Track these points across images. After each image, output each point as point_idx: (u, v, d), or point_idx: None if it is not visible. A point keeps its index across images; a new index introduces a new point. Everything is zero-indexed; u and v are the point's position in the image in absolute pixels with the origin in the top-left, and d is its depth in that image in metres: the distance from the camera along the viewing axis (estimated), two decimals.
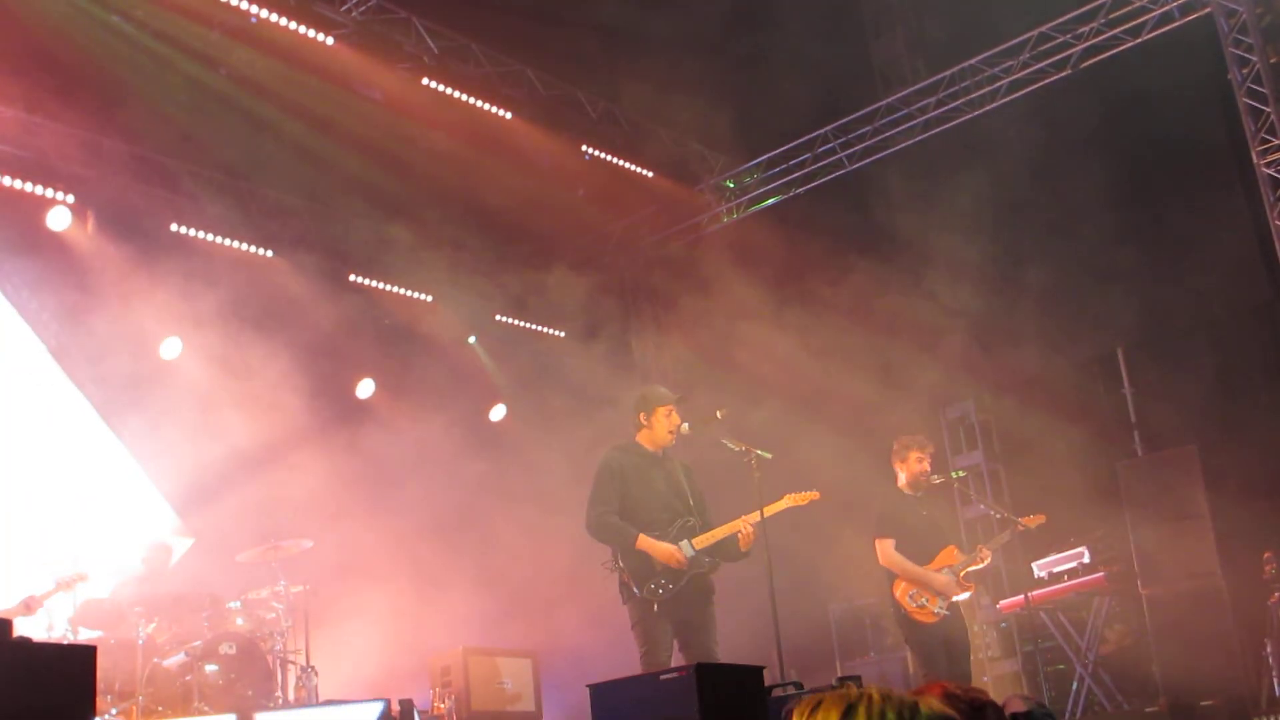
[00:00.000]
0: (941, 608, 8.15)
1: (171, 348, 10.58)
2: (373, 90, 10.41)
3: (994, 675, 10.99)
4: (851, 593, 11.45)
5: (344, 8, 9.92)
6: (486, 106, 11.04)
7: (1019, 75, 11.15)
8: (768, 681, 6.43)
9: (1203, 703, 8.86)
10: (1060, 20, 10.82)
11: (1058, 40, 10.89)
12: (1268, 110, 9.74)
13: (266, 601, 9.45)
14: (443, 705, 9.67)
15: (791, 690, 6.44)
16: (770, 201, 12.80)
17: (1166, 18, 10.40)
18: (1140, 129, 10.80)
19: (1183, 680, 9.22)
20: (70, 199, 10.15)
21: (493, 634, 10.87)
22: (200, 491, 10.49)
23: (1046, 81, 11.05)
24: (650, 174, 12.63)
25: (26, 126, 9.85)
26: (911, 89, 11.83)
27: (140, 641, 8.70)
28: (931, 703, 2.38)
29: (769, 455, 7.43)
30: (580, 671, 7.53)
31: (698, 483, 7.72)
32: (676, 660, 7.14)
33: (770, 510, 7.43)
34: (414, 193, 11.68)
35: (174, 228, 10.80)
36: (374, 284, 12.26)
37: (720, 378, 11.39)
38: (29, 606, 8.19)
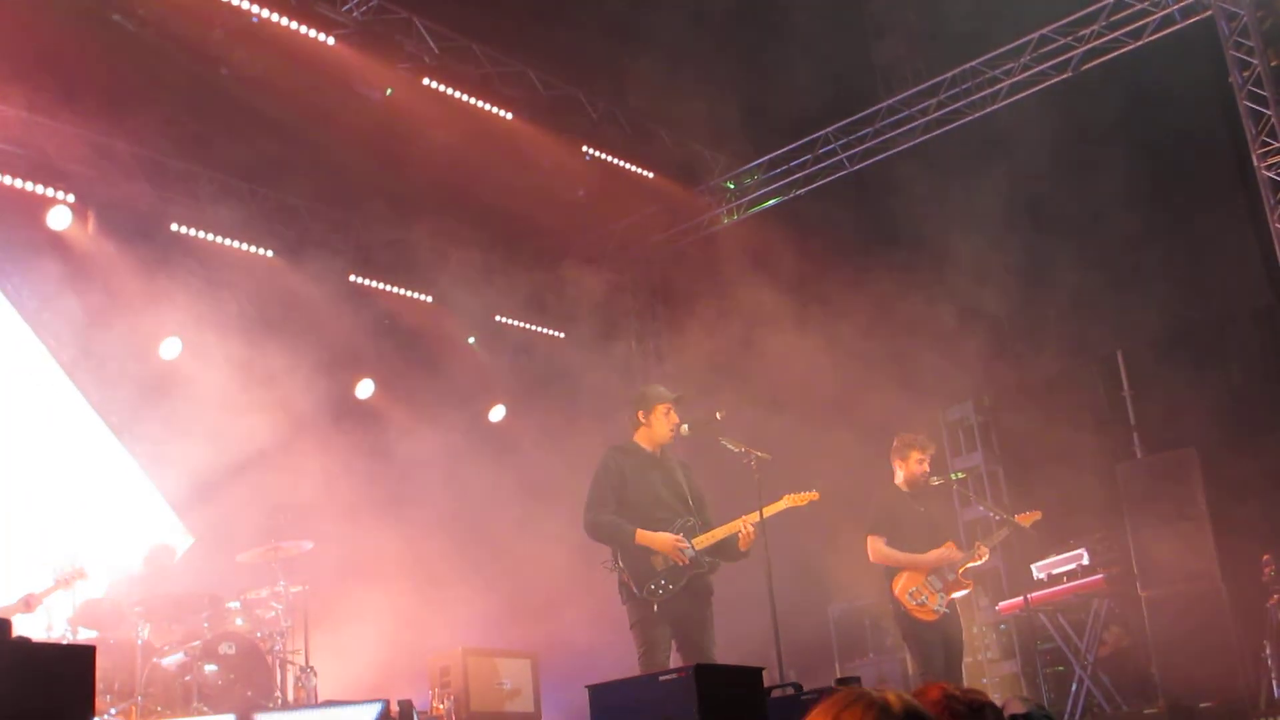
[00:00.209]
0: (941, 605, 8.14)
1: (171, 348, 10.57)
2: (374, 90, 10.40)
3: (993, 677, 11.00)
4: (851, 593, 11.45)
5: (345, 7, 9.92)
6: (487, 107, 11.04)
7: (1020, 77, 11.15)
8: (767, 682, 6.43)
9: (1201, 704, 8.87)
10: (1062, 23, 10.83)
11: (1059, 42, 10.89)
12: (1268, 113, 9.75)
13: (266, 602, 9.45)
14: (442, 706, 9.66)
15: (790, 691, 6.44)
16: (771, 202, 12.80)
17: (1168, 20, 10.40)
18: (1141, 132, 10.81)
19: (1182, 682, 9.24)
20: (71, 198, 10.15)
21: (492, 634, 10.87)
22: (200, 491, 10.49)
23: (1048, 84, 11.05)
24: (651, 175, 12.63)
25: (27, 125, 9.85)
26: (913, 90, 11.84)
27: (139, 641, 8.70)
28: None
29: (768, 456, 7.43)
30: (579, 672, 7.53)
31: (697, 482, 7.72)
32: (675, 661, 7.13)
33: (770, 511, 7.42)
34: (414, 193, 11.67)
35: (174, 227, 10.80)
36: (374, 284, 12.26)
37: (719, 378, 11.38)
38: (28, 604, 8.19)
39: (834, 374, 10.99)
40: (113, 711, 8.45)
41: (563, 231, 13.22)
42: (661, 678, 6.02)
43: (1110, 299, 11.13)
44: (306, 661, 9.34)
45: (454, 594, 10.81)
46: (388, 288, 12.38)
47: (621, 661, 7.60)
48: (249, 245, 11.24)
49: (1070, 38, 10.83)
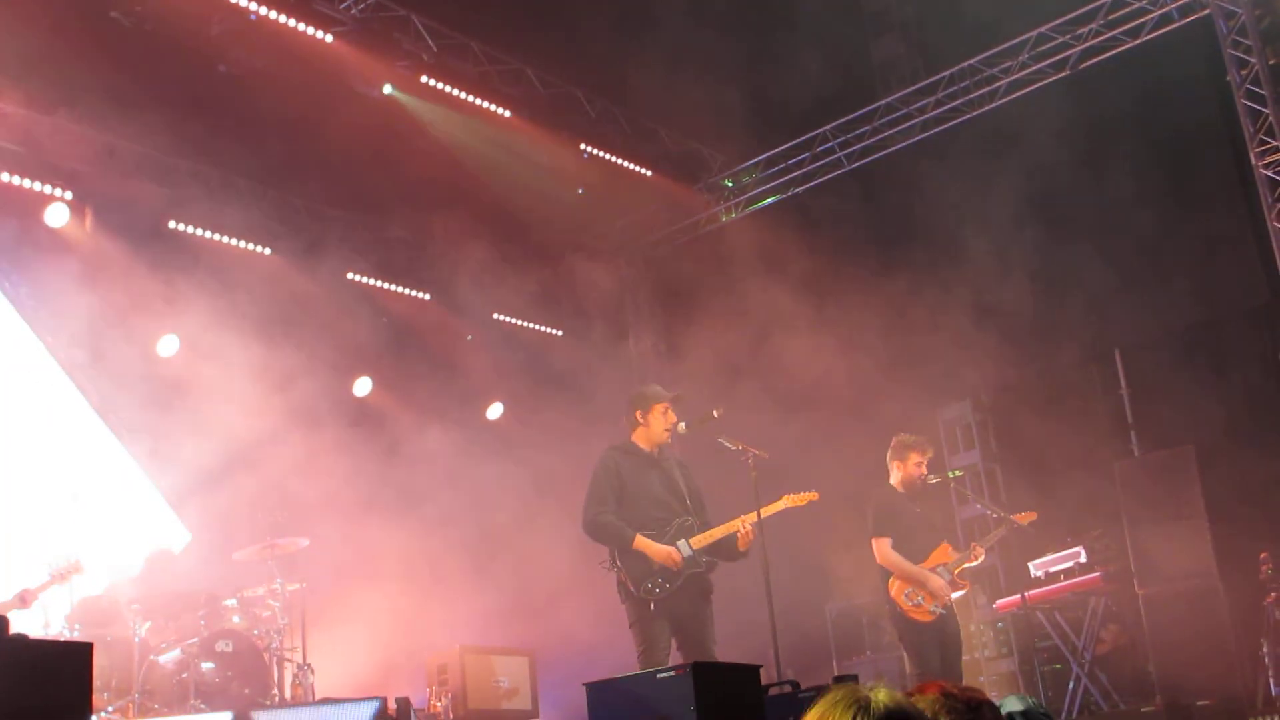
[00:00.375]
0: (937, 606, 8.16)
1: (169, 345, 10.57)
2: (372, 88, 10.40)
3: (991, 675, 10.99)
4: (848, 592, 11.46)
5: (343, 5, 9.92)
6: (486, 104, 11.03)
7: (1018, 76, 11.16)
8: (764, 680, 6.43)
9: (1199, 702, 8.87)
10: (1059, 21, 10.83)
11: (1057, 41, 10.89)
12: (1266, 112, 9.75)
13: (263, 599, 9.45)
14: (439, 704, 9.67)
15: (788, 689, 6.44)
16: (770, 200, 12.80)
17: (1165, 19, 10.40)
18: (1139, 130, 10.82)
19: (1179, 680, 9.24)
20: (69, 195, 10.13)
21: (489, 632, 10.87)
22: (197, 489, 10.49)
23: (1046, 82, 11.06)
24: (649, 173, 12.63)
25: (24, 122, 9.83)
26: (911, 89, 11.84)
27: (137, 639, 8.70)
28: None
29: (766, 454, 7.43)
30: (577, 670, 7.53)
31: (695, 481, 7.72)
32: (674, 659, 7.13)
33: (768, 510, 7.42)
34: (413, 191, 11.67)
35: (172, 225, 10.78)
36: (371, 282, 12.25)
37: (718, 375, 11.38)
38: (24, 600, 8.17)
39: (832, 372, 10.99)
40: (110, 709, 8.45)
41: (561, 229, 13.22)
42: (659, 675, 6.02)
43: (1108, 297, 11.14)
44: (304, 659, 9.33)
45: (451, 592, 10.81)
46: (386, 285, 12.37)
47: (620, 659, 7.60)
48: (247, 243, 11.22)
49: (1068, 36, 10.84)
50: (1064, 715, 9.92)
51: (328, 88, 10.15)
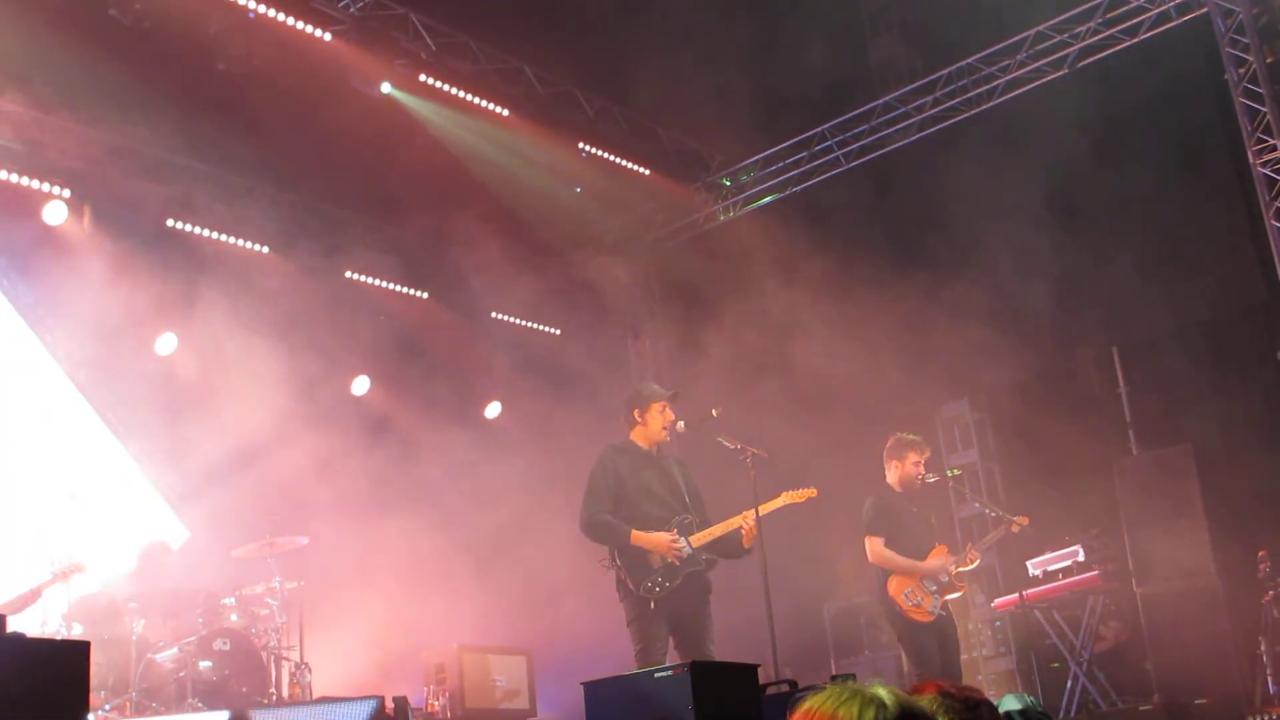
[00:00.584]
0: (936, 607, 8.16)
1: (167, 343, 10.56)
2: (370, 86, 10.39)
3: (989, 673, 11.00)
4: (847, 591, 11.45)
5: (341, 3, 9.91)
6: (484, 103, 11.03)
7: (1016, 74, 11.15)
8: (762, 680, 6.43)
9: (1197, 701, 8.88)
10: (1057, 20, 10.82)
11: (1055, 39, 10.89)
12: (1264, 110, 9.75)
13: (261, 597, 9.44)
14: (437, 703, 9.67)
15: (786, 688, 6.44)
16: (767, 200, 12.79)
17: (1163, 17, 10.40)
18: (1136, 128, 10.81)
19: (1177, 678, 9.24)
20: (67, 193, 10.12)
21: (487, 631, 10.88)
22: (195, 487, 10.49)
23: (1043, 81, 11.05)
24: (647, 172, 12.62)
25: (23, 120, 9.83)
26: (909, 88, 11.84)
27: (134, 637, 8.70)
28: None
29: (764, 453, 7.43)
30: (575, 669, 7.53)
31: (694, 479, 7.72)
32: (674, 658, 7.13)
33: (767, 508, 7.42)
34: (411, 190, 11.66)
35: (170, 223, 10.78)
36: (370, 280, 12.25)
37: (715, 373, 11.38)
38: (36, 595, 8.20)
39: (829, 370, 10.98)
40: (107, 707, 8.44)
41: (560, 228, 13.21)
42: (657, 674, 6.02)
43: (1106, 296, 11.14)
44: (301, 658, 9.33)
45: (449, 591, 10.80)
46: (385, 285, 12.37)
47: (618, 658, 7.60)
48: (245, 241, 11.22)
49: (1066, 35, 10.83)
50: (1062, 714, 9.92)
51: (326, 86, 10.14)
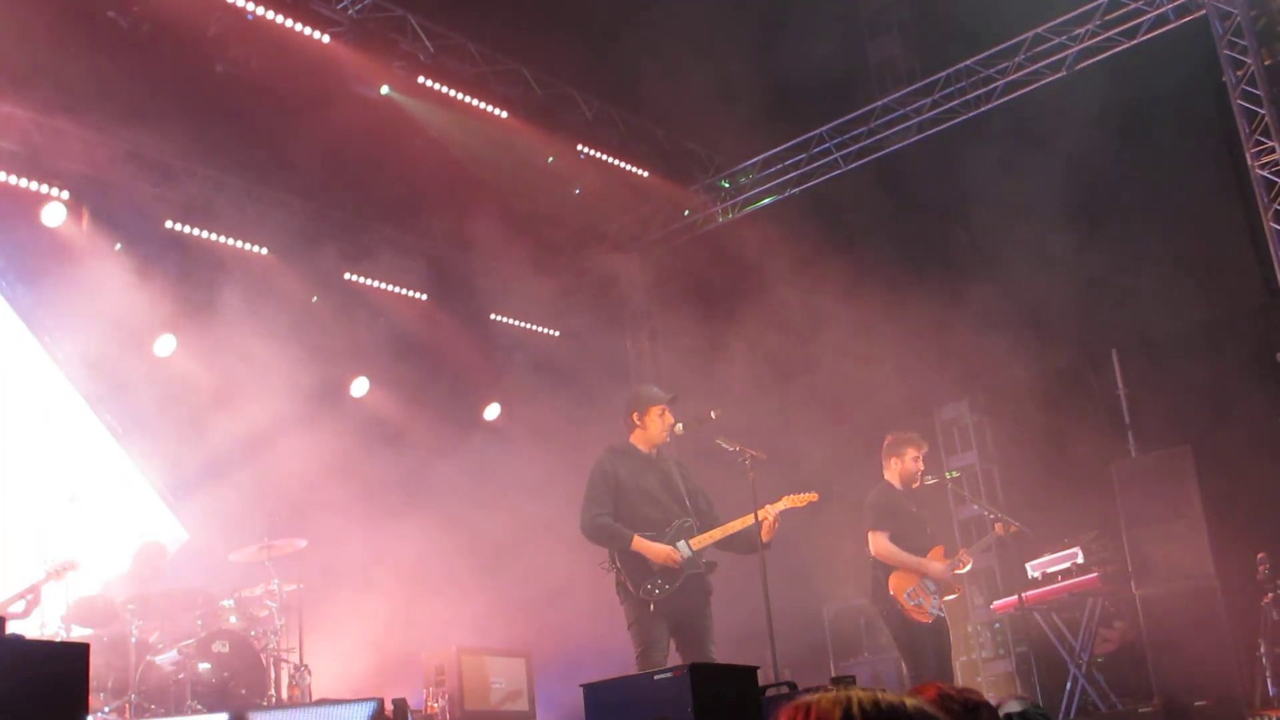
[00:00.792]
0: (935, 608, 8.16)
1: (165, 345, 10.56)
2: (370, 88, 10.39)
3: (988, 676, 11.00)
4: (846, 593, 11.45)
5: (340, 5, 9.91)
6: (482, 105, 11.03)
7: (1014, 77, 11.16)
8: (762, 682, 6.43)
9: (1196, 702, 8.87)
10: (1056, 22, 10.83)
11: (1053, 42, 10.89)
12: (1262, 112, 9.76)
13: (260, 599, 9.43)
14: (436, 705, 9.66)
15: (785, 690, 6.44)
16: (766, 201, 12.80)
17: (1162, 20, 10.41)
18: (1135, 130, 10.82)
19: (1177, 680, 9.24)
20: (65, 195, 10.12)
21: (486, 633, 10.87)
22: (194, 489, 10.48)
23: (1041, 83, 11.06)
24: (646, 173, 12.62)
25: (22, 122, 9.83)
26: (908, 89, 11.84)
27: (133, 639, 8.68)
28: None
29: (763, 455, 7.42)
30: (574, 671, 7.52)
31: (694, 481, 7.71)
32: (675, 660, 7.13)
33: (769, 511, 7.41)
34: (408, 191, 11.66)
35: (169, 225, 10.78)
36: (368, 282, 12.24)
37: (712, 376, 11.38)
38: (35, 592, 8.20)
39: (828, 372, 10.99)
40: (106, 709, 8.44)
41: (558, 230, 13.20)
42: (656, 676, 6.02)
43: (1105, 297, 11.14)
44: (301, 660, 9.33)
45: (448, 593, 10.80)
46: (381, 285, 12.36)
47: (618, 660, 7.60)
48: (243, 243, 11.21)
49: (1065, 37, 10.84)
50: (1062, 716, 9.92)
51: (325, 88, 10.14)
